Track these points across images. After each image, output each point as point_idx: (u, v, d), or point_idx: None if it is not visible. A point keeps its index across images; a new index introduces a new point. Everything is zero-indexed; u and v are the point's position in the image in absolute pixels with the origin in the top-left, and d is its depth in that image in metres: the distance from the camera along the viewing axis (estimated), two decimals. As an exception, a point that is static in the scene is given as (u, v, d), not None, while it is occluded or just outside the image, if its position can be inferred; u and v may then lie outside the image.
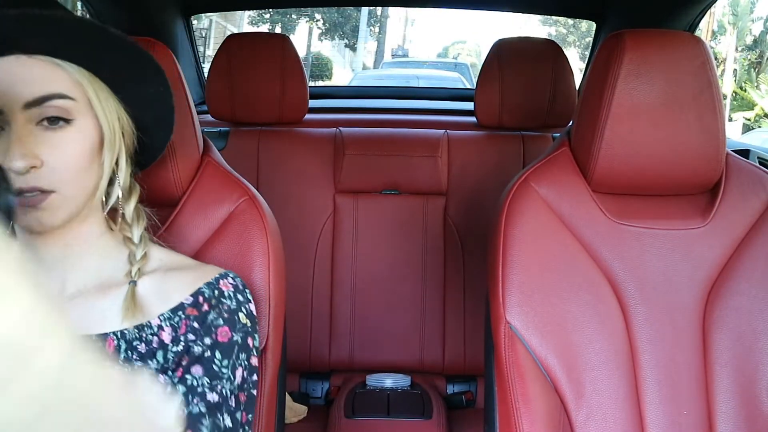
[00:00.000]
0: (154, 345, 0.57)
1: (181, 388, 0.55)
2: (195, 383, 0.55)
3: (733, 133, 9.63)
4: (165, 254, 0.63)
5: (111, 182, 0.60)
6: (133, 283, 0.59)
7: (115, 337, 0.57)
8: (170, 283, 0.60)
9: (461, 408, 1.31)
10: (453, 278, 1.34)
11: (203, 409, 0.54)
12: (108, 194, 0.60)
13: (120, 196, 0.60)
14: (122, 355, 0.57)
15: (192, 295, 0.58)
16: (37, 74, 0.53)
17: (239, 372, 0.57)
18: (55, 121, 0.54)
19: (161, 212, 0.67)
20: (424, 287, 1.35)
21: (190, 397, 0.54)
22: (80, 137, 0.55)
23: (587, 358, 0.77)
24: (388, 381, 1.28)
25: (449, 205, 1.36)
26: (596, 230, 0.81)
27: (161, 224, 0.68)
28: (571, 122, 1.17)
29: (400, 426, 1.17)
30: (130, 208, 0.61)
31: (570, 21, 16.74)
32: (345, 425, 1.16)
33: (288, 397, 1.23)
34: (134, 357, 0.57)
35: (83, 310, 0.58)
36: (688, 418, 0.77)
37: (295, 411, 1.24)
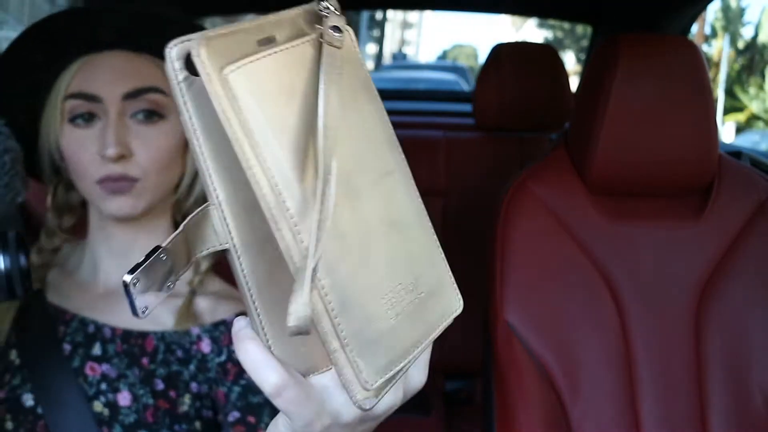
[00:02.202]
0: (192, 353, 0.58)
1: (236, 388, 0.56)
2: (251, 383, 0.56)
3: (727, 135, 9.69)
4: (223, 286, 0.64)
5: (193, 185, 0.61)
6: (193, 292, 0.60)
7: (155, 337, 0.58)
8: (221, 309, 0.61)
9: (460, 404, 1.32)
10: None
11: (262, 401, 0.55)
12: (188, 195, 0.62)
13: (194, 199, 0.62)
14: (160, 356, 0.57)
15: (237, 314, 0.60)
16: (139, 69, 0.56)
17: None
18: (149, 115, 0.56)
19: None
20: None
21: (248, 393, 0.56)
22: (170, 134, 0.57)
23: (583, 355, 0.78)
24: (388, 378, 1.29)
25: (448, 206, 1.37)
26: (592, 230, 0.82)
27: None
28: (567, 124, 1.19)
29: (399, 422, 1.17)
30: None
31: (567, 25, 16.81)
32: None
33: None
34: (173, 359, 0.58)
35: None
36: (681, 412, 0.78)
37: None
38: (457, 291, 0.31)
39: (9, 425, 0.54)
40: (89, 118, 0.56)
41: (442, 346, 1.33)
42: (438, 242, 0.30)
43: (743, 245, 0.82)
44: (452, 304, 0.30)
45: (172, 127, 0.57)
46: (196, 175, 0.61)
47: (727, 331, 0.79)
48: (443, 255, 0.30)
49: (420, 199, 0.30)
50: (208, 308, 0.61)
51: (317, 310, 0.23)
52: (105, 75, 0.55)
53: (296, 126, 0.24)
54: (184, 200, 0.62)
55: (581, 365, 0.78)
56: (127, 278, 0.23)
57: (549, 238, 0.81)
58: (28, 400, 0.54)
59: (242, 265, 0.26)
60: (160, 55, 0.60)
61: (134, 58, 0.56)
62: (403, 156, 0.30)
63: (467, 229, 1.36)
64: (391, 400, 0.28)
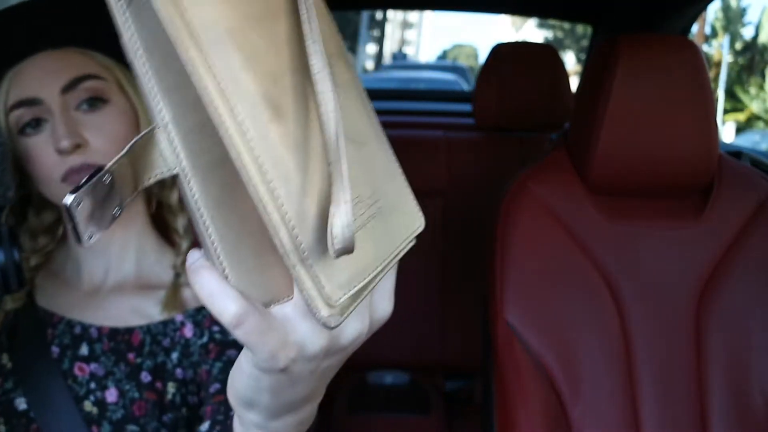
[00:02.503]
0: (176, 340, 0.59)
1: (218, 364, 0.57)
2: (233, 358, 0.57)
3: (727, 135, 9.68)
4: None
5: None
6: (178, 275, 0.60)
7: (141, 331, 0.59)
8: None
9: (460, 404, 1.32)
10: (452, 277, 1.36)
11: None
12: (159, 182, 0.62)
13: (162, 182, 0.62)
14: (146, 348, 0.58)
15: None
16: (68, 62, 0.57)
17: None
18: (93, 102, 0.57)
19: None
20: (423, 285, 1.36)
21: (229, 368, 0.56)
22: (119, 116, 0.58)
23: (583, 355, 0.78)
24: (388, 378, 1.29)
25: (448, 205, 1.37)
26: (592, 230, 0.82)
27: None
28: (567, 124, 1.19)
29: (400, 422, 1.18)
30: (174, 197, 0.63)
31: (567, 25, 16.80)
32: (345, 422, 1.17)
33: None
34: (159, 350, 0.58)
35: (118, 304, 0.60)
36: (681, 413, 0.78)
37: (296, 408, 1.25)
38: (419, 208, 0.30)
39: (2, 429, 0.54)
40: (36, 124, 0.56)
41: (442, 346, 1.35)
42: (396, 159, 0.29)
43: (743, 245, 0.82)
44: (414, 221, 0.29)
45: (119, 109, 0.58)
46: None
47: (728, 332, 0.79)
48: (402, 171, 0.29)
49: (376, 115, 0.28)
50: (192, 296, 0.61)
51: (274, 220, 0.22)
52: (38, 76, 0.56)
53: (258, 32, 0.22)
54: (154, 188, 0.63)
55: (581, 365, 0.78)
56: (68, 199, 0.21)
57: (549, 238, 0.81)
58: (21, 403, 0.55)
59: (193, 190, 0.24)
60: (82, 45, 0.55)
61: (60, 54, 0.57)
62: (354, 70, 0.28)
63: (467, 229, 1.36)
64: (357, 327, 0.27)
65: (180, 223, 0.62)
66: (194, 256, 0.25)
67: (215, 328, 0.59)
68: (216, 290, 0.24)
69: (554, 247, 0.81)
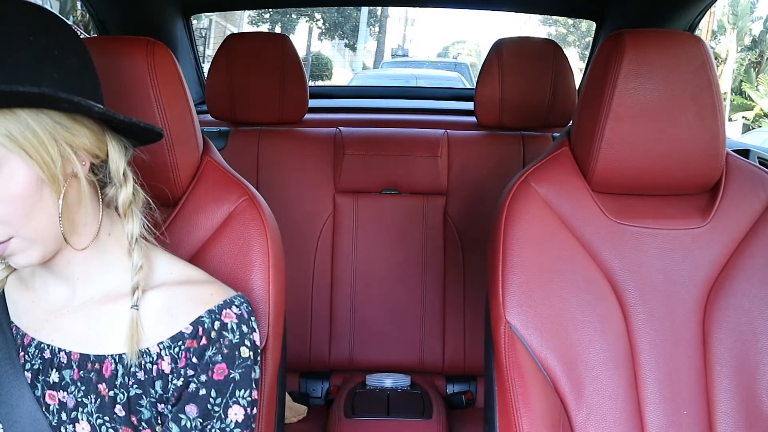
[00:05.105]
0: (154, 374, 0.55)
1: (174, 427, 0.54)
2: (188, 425, 0.54)
3: (734, 133, 9.66)
4: (176, 266, 0.60)
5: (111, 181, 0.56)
6: (136, 308, 0.55)
7: (113, 361, 0.56)
8: (177, 300, 0.57)
9: (461, 408, 1.31)
10: (453, 278, 1.35)
11: None
12: (104, 195, 0.57)
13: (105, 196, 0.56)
14: (119, 380, 0.55)
15: (192, 324, 0.56)
16: None
17: (233, 410, 0.55)
18: None
19: (161, 212, 0.66)
20: (423, 287, 1.35)
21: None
22: (13, 177, 0.49)
23: (587, 358, 0.77)
24: (388, 381, 1.28)
25: (449, 205, 1.36)
26: (596, 230, 0.82)
27: (162, 224, 0.65)
28: (570, 122, 1.17)
29: (400, 426, 1.17)
30: (121, 199, 0.56)
31: (570, 21, 16.75)
32: (345, 425, 1.16)
33: (288, 397, 1.23)
34: (131, 383, 0.55)
35: (88, 323, 0.57)
36: (687, 417, 0.78)
37: (295, 411, 1.24)
38: None
39: None
40: None
41: (443, 348, 1.34)
42: None
43: (751, 245, 0.81)
44: None
45: (13, 169, 0.49)
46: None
47: (735, 333, 0.79)
48: None
49: None
50: (164, 313, 0.56)
51: None
52: None
53: None
54: (108, 189, 0.57)
55: (585, 367, 0.77)
56: None
57: (552, 237, 0.80)
58: None
59: None
60: None
61: None
62: None
63: (469, 228, 1.35)
64: None
65: (127, 229, 0.56)
66: None
67: (189, 372, 0.55)
68: None
69: (557, 247, 0.80)
